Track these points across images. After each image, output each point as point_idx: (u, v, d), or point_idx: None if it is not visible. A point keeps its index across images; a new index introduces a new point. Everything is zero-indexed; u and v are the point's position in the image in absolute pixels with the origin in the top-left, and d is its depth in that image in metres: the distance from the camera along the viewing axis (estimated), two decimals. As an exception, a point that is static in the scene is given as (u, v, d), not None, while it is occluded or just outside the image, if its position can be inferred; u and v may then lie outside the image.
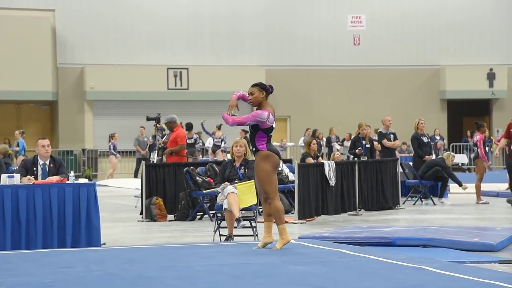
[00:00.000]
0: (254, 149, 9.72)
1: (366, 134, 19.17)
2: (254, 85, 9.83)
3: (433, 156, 20.32)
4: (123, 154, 31.99)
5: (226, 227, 11.77)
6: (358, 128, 19.33)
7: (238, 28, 35.32)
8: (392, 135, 20.13)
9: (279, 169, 17.26)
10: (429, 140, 20.31)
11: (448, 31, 36.71)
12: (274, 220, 9.79)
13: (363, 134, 19.18)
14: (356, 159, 17.77)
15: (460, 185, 19.43)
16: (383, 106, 34.69)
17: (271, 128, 9.70)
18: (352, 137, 20.04)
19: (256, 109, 9.73)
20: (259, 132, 9.65)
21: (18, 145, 28.42)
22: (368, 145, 19.15)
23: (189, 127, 24.42)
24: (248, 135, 10.17)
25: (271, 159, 9.65)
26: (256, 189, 11.90)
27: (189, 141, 22.37)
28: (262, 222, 14.10)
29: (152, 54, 34.50)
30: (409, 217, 16.33)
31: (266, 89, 9.76)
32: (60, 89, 33.78)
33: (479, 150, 18.89)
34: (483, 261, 9.77)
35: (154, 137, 18.07)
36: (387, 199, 17.73)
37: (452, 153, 20.14)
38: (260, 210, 16.16)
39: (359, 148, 18.92)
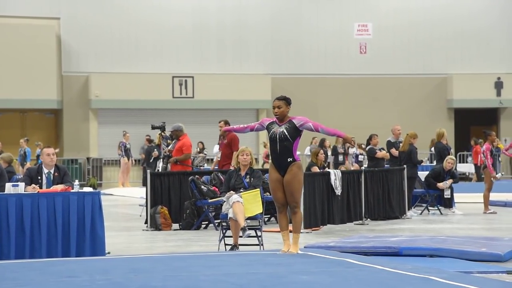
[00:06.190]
0: (290, 159, 9.84)
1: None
2: (281, 99, 10.00)
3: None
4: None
5: (231, 236, 11.70)
6: (411, 138, 19.21)
7: (243, 37, 35.28)
8: (400, 144, 20.02)
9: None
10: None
11: (456, 39, 36.61)
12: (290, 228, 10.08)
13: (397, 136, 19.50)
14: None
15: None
16: (390, 115, 34.59)
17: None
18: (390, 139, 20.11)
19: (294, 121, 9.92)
20: (296, 141, 9.89)
21: (25, 153, 28.28)
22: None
23: None
24: (275, 146, 9.85)
25: (302, 169, 10.05)
26: (262, 198, 11.86)
27: None
28: (268, 231, 14.01)
29: (157, 62, 34.49)
30: (415, 226, 16.25)
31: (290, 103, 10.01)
32: (65, 98, 33.77)
33: (486, 160, 18.75)
34: (490, 271, 9.72)
35: (158, 146, 17.97)
36: (393, 209, 17.64)
37: (451, 156, 19.75)
38: (265, 219, 16.14)
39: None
